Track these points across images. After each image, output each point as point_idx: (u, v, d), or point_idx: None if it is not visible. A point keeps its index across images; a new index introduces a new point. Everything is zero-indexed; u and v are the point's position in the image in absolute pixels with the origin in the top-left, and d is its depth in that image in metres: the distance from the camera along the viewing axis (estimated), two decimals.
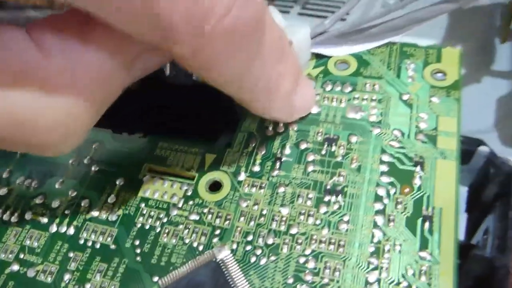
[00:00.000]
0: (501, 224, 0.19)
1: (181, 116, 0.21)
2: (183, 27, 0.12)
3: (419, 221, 0.17)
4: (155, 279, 0.17)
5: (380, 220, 0.17)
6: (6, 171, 0.21)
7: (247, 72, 0.15)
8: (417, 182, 0.18)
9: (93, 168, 0.21)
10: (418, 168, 0.18)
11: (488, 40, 0.27)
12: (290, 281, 0.16)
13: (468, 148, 0.21)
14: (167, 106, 0.22)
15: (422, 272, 0.16)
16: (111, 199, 0.19)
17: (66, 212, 0.19)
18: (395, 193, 0.18)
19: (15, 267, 0.18)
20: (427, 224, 0.17)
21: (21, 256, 0.19)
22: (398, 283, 0.16)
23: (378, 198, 0.18)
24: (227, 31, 0.13)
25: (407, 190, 0.18)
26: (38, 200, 0.20)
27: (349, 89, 0.21)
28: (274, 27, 0.16)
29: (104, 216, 0.19)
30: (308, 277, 0.16)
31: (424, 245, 0.16)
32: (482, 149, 0.21)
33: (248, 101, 0.17)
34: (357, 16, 0.31)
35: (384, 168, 0.18)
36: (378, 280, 0.16)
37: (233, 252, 0.17)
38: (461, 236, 0.21)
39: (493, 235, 0.18)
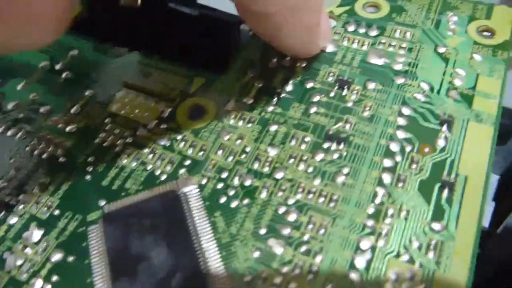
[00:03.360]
0: None
1: (178, 40, 0.18)
2: None
3: (437, 187, 0.13)
4: (102, 202, 0.14)
5: (387, 178, 0.14)
6: None
7: None
8: (441, 143, 0.14)
9: (63, 75, 0.18)
10: (444, 128, 0.15)
11: None
12: (262, 231, 0.13)
13: (509, 123, 0.17)
14: (164, 28, 0.19)
15: (430, 247, 0.12)
16: (75, 109, 0.17)
17: (20, 115, 0.17)
18: (411, 151, 0.14)
19: None
20: (445, 192, 0.13)
21: None
22: (398, 255, 0.12)
23: (389, 154, 0.14)
24: None
25: (427, 149, 0.14)
26: None
27: (375, 32, 0.18)
28: None
29: (62, 126, 0.16)
30: (285, 231, 0.13)
31: (438, 216, 0.13)
32: None
33: (282, 14, 0.14)
34: None
35: (403, 122, 0.15)
36: (373, 248, 0.12)
37: (201, 187, 0.14)
38: (486, 224, 0.17)
39: None
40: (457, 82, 0.16)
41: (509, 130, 0.17)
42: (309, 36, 0.15)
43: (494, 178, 0.19)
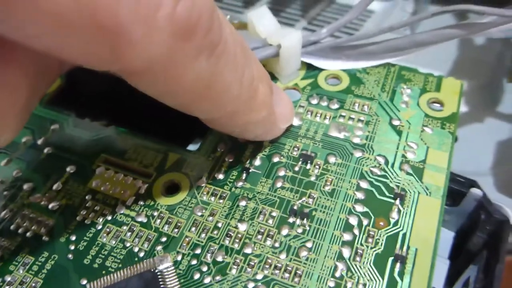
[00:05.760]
0: (485, 276, 0.17)
1: (152, 113, 0.20)
2: (133, 22, 0.10)
3: (390, 260, 0.15)
4: (83, 281, 0.15)
5: (346, 252, 0.15)
6: None
7: (214, 76, 0.13)
8: (394, 216, 0.16)
9: (45, 151, 0.19)
10: (397, 201, 0.16)
11: (495, 80, 0.26)
12: None
13: (459, 188, 0.19)
14: (139, 100, 0.20)
15: None
16: (56, 186, 0.18)
17: (5, 193, 0.18)
18: (368, 224, 0.16)
19: None
20: (398, 265, 0.15)
21: None
22: None
23: (348, 228, 0.16)
24: (182, 20, 0.11)
25: (382, 223, 0.16)
26: None
27: (336, 106, 0.19)
28: (231, 25, 0.14)
29: (44, 203, 0.17)
30: None
31: None
32: (475, 191, 0.18)
33: (225, 118, 0.15)
34: (364, 29, 0.29)
35: (361, 195, 0.16)
36: None
37: (176, 264, 0.15)
38: (440, 285, 0.19)
39: (473, 287, 0.16)
40: (410, 155, 0.17)
41: (460, 193, 0.19)
42: (263, 128, 0.16)
43: (450, 235, 0.21)
